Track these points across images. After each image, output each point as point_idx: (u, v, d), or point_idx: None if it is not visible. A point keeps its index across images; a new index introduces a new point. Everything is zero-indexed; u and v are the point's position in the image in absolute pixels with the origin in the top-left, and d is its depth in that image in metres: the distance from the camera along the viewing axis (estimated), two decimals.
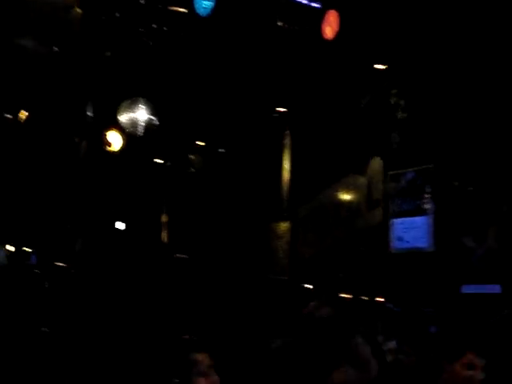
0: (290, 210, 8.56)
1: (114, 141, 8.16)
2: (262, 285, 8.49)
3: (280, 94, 8.13)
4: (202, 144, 9.64)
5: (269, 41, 6.75)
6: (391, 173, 6.73)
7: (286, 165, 8.69)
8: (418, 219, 6.32)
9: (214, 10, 6.02)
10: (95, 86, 7.91)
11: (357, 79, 7.06)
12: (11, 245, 9.16)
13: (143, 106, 7.29)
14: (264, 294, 8.29)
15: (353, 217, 7.44)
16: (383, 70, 6.89)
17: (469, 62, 5.83)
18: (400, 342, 4.60)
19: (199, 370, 2.66)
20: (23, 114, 8.33)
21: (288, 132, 8.67)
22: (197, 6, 5.99)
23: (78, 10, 6.54)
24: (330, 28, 6.22)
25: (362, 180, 7.34)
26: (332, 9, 6.30)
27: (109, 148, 8.18)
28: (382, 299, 6.48)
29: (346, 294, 6.84)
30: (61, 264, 8.41)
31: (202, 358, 2.70)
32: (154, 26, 6.57)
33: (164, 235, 9.57)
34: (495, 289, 5.48)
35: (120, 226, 9.58)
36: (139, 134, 7.37)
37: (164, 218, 9.66)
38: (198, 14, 6.05)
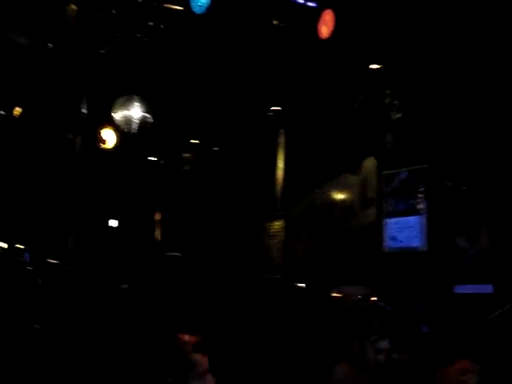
0: (284, 209, 8.56)
1: (109, 138, 8.15)
2: (255, 283, 8.49)
3: (275, 93, 8.13)
4: (196, 142, 9.64)
5: (264, 39, 6.75)
6: (385, 172, 6.74)
7: (280, 163, 8.69)
8: (412, 219, 6.34)
9: (210, 8, 6.02)
10: (90, 83, 7.89)
11: (351, 79, 7.07)
12: (4, 242, 9.13)
13: (138, 104, 7.29)
14: (257, 292, 8.30)
15: (346, 216, 7.45)
16: (378, 69, 6.90)
17: (463, 63, 5.85)
18: (393, 341, 4.61)
19: (197, 371, 2.67)
20: (17, 111, 8.31)
21: (282, 131, 8.67)
22: (192, 3, 6.00)
23: (74, 7, 6.53)
24: (325, 27, 6.23)
25: (356, 179, 7.35)
26: (328, 8, 6.31)
27: (103, 145, 8.17)
28: (375, 298, 6.49)
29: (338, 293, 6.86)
30: (54, 261, 8.39)
31: (200, 359, 2.71)
32: (150, 23, 6.57)
33: (157, 233, 9.57)
34: (487, 289, 5.50)
35: (113, 223, 9.58)
36: (133, 131, 7.36)
37: (157, 216, 9.66)
38: (193, 12, 6.05)
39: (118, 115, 7.29)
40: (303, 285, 7.72)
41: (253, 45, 6.95)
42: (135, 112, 7.26)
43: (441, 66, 6.09)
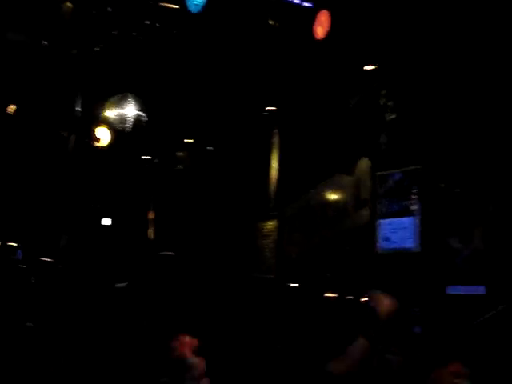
0: (277, 209, 8.57)
1: (103, 136, 8.14)
2: (248, 283, 8.49)
3: (269, 93, 8.14)
4: (190, 141, 9.63)
5: (259, 39, 6.76)
6: (379, 173, 6.75)
7: (274, 163, 8.70)
8: (406, 220, 6.35)
9: (206, 7, 6.02)
10: (84, 81, 7.88)
11: (346, 79, 7.08)
12: None
13: (132, 102, 7.28)
14: (250, 292, 8.30)
15: (340, 217, 7.46)
16: (373, 70, 6.91)
17: (458, 64, 5.86)
18: (386, 342, 4.62)
19: (193, 374, 2.65)
20: (12, 108, 8.28)
21: (276, 131, 8.67)
22: (188, 2, 5.99)
23: (69, 4, 6.52)
24: (321, 28, 6.24)
25: (350, 180, 7.36)
26: (324, 9, 6.31)
27: (97, 144, 8.16)
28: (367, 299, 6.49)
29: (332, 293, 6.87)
30: (47, 259, 8.37)
31: (197, 362, 2.69)
32: (146, 22, 6.56)
33: (150, 232, 9.56)
34: (479, 290, 5.51)
35: (106, 221, 9.56)
36: (127, 130, 7.35)
37: (151, 215, 9.65)
38: (189, 11, 6.05)
39: (112, 113, 7.28)
40: (296, 285, 7.73)
41: (248, 44, 6.95)
42: (129, 110, 7.25)
43: (436, 68, 6.11)
